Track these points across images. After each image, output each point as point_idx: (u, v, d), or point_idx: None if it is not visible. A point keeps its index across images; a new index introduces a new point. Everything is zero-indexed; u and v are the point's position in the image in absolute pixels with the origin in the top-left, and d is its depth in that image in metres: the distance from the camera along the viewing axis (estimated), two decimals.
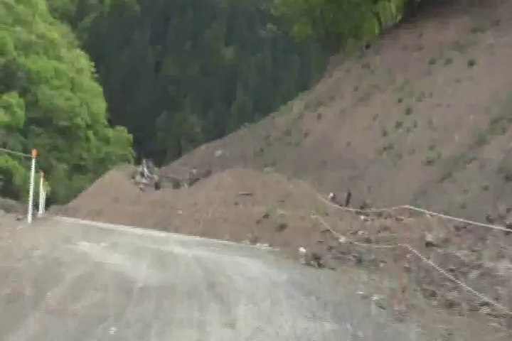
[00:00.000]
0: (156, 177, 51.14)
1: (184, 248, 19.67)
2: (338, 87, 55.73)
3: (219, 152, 55.95)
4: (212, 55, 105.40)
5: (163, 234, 26.29)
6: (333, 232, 23.41)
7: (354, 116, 49.95)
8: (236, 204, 32.30)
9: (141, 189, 47.05)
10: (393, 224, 20.29)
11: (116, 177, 51.12)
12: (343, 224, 26.89)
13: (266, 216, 29.03)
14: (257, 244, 24.97)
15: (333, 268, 17.08)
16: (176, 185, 46.61)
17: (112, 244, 17.67)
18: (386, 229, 20.39)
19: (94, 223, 29.89)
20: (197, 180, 44.60)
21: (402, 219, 18.65)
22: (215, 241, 24.49)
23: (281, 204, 31.07)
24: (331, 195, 37.21)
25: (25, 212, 23.85)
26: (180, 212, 34.30)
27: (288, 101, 65.97)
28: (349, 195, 35.67)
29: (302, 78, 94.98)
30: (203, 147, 60.32)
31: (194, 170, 48.88)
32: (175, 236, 25.12)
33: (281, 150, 51.30)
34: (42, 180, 29.89)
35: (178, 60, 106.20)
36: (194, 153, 60.61)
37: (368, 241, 19.16)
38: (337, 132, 49.13)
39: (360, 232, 21.66)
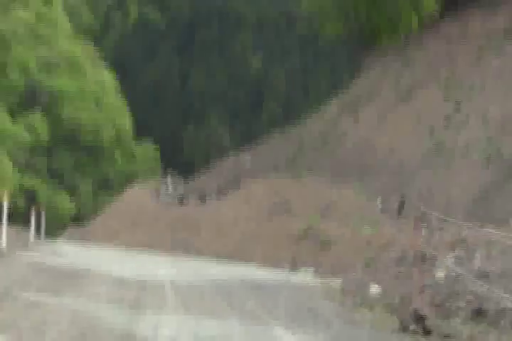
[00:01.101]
0: (181, 192, 45.77)
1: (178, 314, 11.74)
2: (376, 87, 49.90)
3: (248, 162, 50.30)
4: (239, 64, 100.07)
5: (163, 272, 18.66)
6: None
7: (396, 116, 44.35)
8: (270, 218, 26.57)
9: (163, 206, 41.59)
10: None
11: (136, 194, 45.65)
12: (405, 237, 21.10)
13: (306, 231, 23.34)
14: (299, 271, 19.09)
15: (448, 337, 10.26)
16: (202, 199, 41.02)
17: None
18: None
19: (79, 255, 24.59)
20: (225, 192, 39.06)
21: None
22: (243, 272, 18.39)
23: (323, 216, 25.37)
24: (379, 202, 31.43)
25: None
26: (204, 230, 28.72)
27: (320, 106, 60.17)
28: (402, 202, 29.81)
29: (333, 83, 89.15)
30: (231, 158, 54.66)
31: (222, 183, 43.29)
32: (184, 272, 18.35)
33: (316, 157, 45.56)
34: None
35: (204, 71, 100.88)
36: (222, 164, 55.00)
37: (483, 275, 12.10)
38: (378, 134, 43.53)
39: (452, 253, 15.25)
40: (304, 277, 17.35)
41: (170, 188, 47.45)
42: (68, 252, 21.88)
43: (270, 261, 22.24)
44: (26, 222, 73.16)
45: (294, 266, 19.81)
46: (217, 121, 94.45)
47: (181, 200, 42.20)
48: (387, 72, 50.16)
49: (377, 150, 41.55)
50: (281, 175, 36.72)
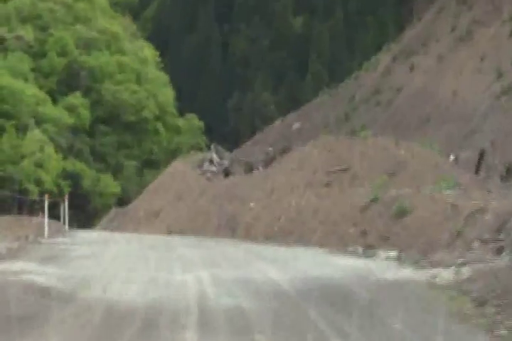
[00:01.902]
0: (226, 163, 41.15)
1: None
2: (430, 31, 44.39)
3: (297, 124, 45.49)
4: (281, 26, 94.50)
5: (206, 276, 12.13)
6: None
7: (456, 59, 39.02)
8: (328, 186, 21.64)
9: (208, 179, 36.99)
10: None
11: (180, 168, 41.12)
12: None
13: (375, 200, 18.42)
14: (377, 254, 14.13)
15: None
16: (249, 169, 36.28)
17: None
18: None
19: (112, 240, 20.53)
20: (273, 160, 34.21)
21: None
22: (305, 263, 13.27)
23: (392, 179, 20.39)
24: (452, 157, 26.29)
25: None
26: (252, 204, 23.92)
27: (368, 60, 54.77)
28: (482, 155, 24.67)
29: (379, 39, 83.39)
30: (277, 122, 49.90)
31: (270, 149, 38.37)
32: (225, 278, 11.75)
33: (370, 112, 40.55)
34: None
35: (245, 36, 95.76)
36: (268, 130, 50.22)
37: None
38: (437, 82, 38.34)
39: None
40: (393, 265, 12.39)
41: (215, 160, 42.89)
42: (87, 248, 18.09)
43: (333, 240, 17.44)
44: (71, 207, 69.54)
45: (369, 247, 14.91)
46: (262, 87, 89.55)
47: (227, 172, 37.59)
48: (441, 15, 44.60)
49: (438, 98, 36.53)
50: (335, 135, 31.79)
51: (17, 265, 12.37)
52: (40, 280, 10.74)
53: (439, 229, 15.69)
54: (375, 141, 23.28)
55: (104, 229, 39.10)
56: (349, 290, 9.89)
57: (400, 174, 20.99)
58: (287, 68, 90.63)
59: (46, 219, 20.98)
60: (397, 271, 11.73)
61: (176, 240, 20.32)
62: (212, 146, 44.96)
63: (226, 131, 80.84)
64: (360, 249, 14.78)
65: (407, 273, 11.33)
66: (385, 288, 9.86)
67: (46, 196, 22.66)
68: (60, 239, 19.41)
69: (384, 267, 12.26)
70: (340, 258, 13.85)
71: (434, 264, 11.85)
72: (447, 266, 11.38)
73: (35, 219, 22.59)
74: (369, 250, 14.47)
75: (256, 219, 21.89)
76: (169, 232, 27.98)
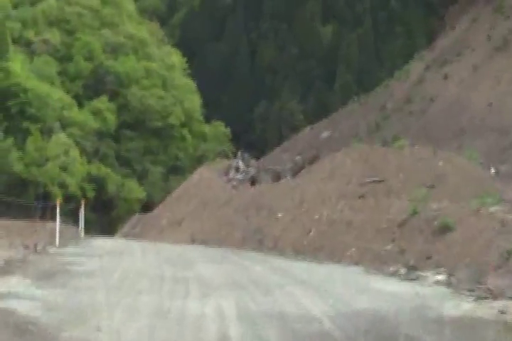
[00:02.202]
0: (252, 171, 39.83)
1: None
2: (465, 40, 42.87)
3: (326, 133, 44.10)
4: (309, 35, 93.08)
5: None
6: None
7: (492, 70, 37.48)
8: (362, 197, 20.24)
9: (234, 187, 35.71)
10: None
11: (205, 175, 39.89)
12: None
13: (414, 214, 17.00)
14: (422, 275, 12.62)
15: None
16: (276, 177, 34.93)
17: None
18: None
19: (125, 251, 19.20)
20: (302, 168, 32.86)
21: None
22: (344, 288, 11.45)
23: (431, 192, 18.94)
24: (493, 170, 24.78)
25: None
26: (280, 215, 22.57)
27: (394, 74, 53.28)
28: None
29: (408, 49, 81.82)
30: (306, 130, 48.53)
31: (298, 157, 37.08)
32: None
33: (402, 122, 39.06)
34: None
35: (273, 45, 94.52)
36: (296, 138, 48.84)
37: None
38: (472, 92, 36.81)
39: None
40: (446, 294, 10.68)
41: (241, 168, 41.60)
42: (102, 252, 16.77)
43: (368, 257, 16.03)
44: (95, 212, 68.37)
45: (411, 268, 13.43)
46: (289, 96, 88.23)
47: (253, 180, 36.29)
48: (477, 24, 43.06)
49: (473, 108, 35.02)
50: (367, 144, 30.32)
51: (7, 283, 10.74)
52: (24, 308, 8.92)
53: (487, 248, 14.24)
54: (411, 151, 21.82)
55: (125, 235, 37.92)
56: (412, 335, 8.24)
57: (439, 187, 19.53)
58: (315, 77, 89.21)
59: (58, 227, 19.63)
60: (455, 302, 10.08)
61: (197, 252, 18.92)
62: (238, 153, 43.70)
63: (252, 139, 79.61)
64: (401, 270, 13.28)
65: (468, 306, 9.74)
66: (455, 331, 8.27)
67: (57, 201, 21.19)
68: (71, 249, 18.07)
69: (437, 296, 10.58)
70: (382, 281, 12.25)
71: (494, 293, 10.39)
72: (510, 297, 9.93)
73: (50, 225, 21.17)
74: (411, 271, 12.98)
75: (284, 231, 20.50)
76: (192, 241, 26.71)
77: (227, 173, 40.89)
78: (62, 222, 34.84)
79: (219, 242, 23.82)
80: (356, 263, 15.80)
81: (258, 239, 21.07)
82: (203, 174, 39.86)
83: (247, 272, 13.54)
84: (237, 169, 41.84)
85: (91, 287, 11.02)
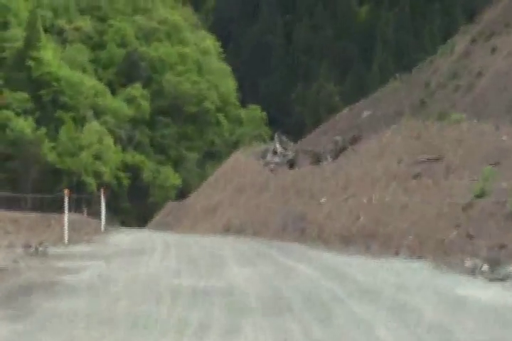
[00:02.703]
0: (290, 154, 37.32)
1: None
2: None
3: (366, 113, 41.23)
4: (345, 15, 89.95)
5: None
6: None
7: None
8: (417, 178, 17.58)
9: (271, 170, 33.27)
10: None
11: (241, 160, 37.50)
12: None
13: (481, 195, 14.42)
14: (507, 271, 10.03)
15: None
16: (316, 159, 32.38)
17: None
18: None
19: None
20: (343, 149, 30.29)
21: None
22: (427, 303, 7.90)
23: (496, 170, 16.29)
24: None
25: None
26: (323, 200, 20.07)
27: (433, 53, 50.14)
28: None
29: (447, 27, 78.30)
30: (345, 110, 45.69)
31: (338, 138, 34.42)
32: None
33: (449, 98, 36.07)
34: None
35: (309, 26, 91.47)
36: (335, 119, 46.11)
37: None
38: None
39: None
40: None
41: (278, 151, 39.12)
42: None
43: (429, 246, 13.48)
44: (130, 200, 66.35)
45: (494, 262, 10.80)
46: (326, 78, 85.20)
47: (292, 163, 33.81)
48: None
49: None
50: (415, 121, 27.57)
51: None
52: None
53: None
54: (470, 125, 19.10)
55: (158, 225, 35.78)
56: None
57: (504, 164, 16.83)
58: (352, 58, 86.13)
59: (66, 221, 16.99)
60: None
61: (229, 246, 16.40)
62: (275, 136, 41.12)
63: (290, 122, 76.83)
64: (481, 265, 10.66)
65: None
66: None
67: (66, 192, 18.07)
68: (79, 248, 15.39)
69: None
70: (468, 285, 9.49)
71: None
72: None
73: (69, 218, 18.64)
74: (494, 267, 10.38)
75: (329, 218, 17.99)
76: (227, 230, 24.36)
77: (264, 157, 38.49)
78: (89, 214, 32.65)
79: (256, 231, 21.43)
80: (417, 255, 13.22)
81: (300, 228, 18.59)
82: (238, 158, 37.47)
83: (291, 278, 10.43)
84: (275, 152, 39.34)
85: (65, 319, 7.46)
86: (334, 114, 57.94)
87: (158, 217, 39.41)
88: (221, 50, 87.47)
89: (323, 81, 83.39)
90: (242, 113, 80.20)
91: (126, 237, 19.84)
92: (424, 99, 37.38)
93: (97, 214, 31.52)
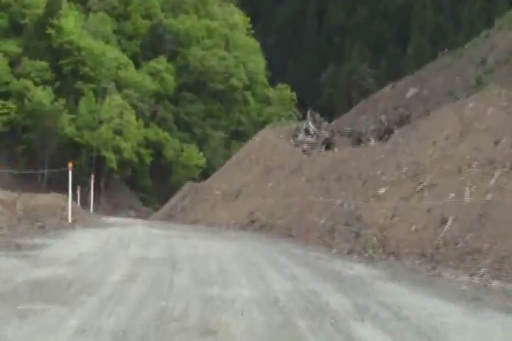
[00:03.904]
0: (325, 134, 31.63)
1: None
2: None
3: (412, 90, 35.46)
4: None
5: None
6: None
7: None
8: (492, 164, 11.89)
9: (304, 151, 27.68)
10: None
11: (269, 138, 31.83)
12: None
13: None
14: None
15: None
16: (357, 140, 26.74)
17: None
18: None
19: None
20: (389, 130, 24.62)
21: None
22: None
23: None
24: None
25: None
26: (382, 191, 14.42)
27: (472, 37, 44.11)
28: None
29: (487, 13, 71.84)
30: (387, 88, 39.81)
31: (383, 117, 28.66)
32: None
33: (510, 75, 30.26)
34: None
35: (343, 5, 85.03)
36: (375, 97, 40.23)
37: None
38: None
39: None
40: None
41: (311, 130, 33.42)
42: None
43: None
44: (152, 178, 60.88)
45: None
46: (359, 59, 78.93)
47: (328, 144, 28.12)
48: None
49: None
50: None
51: None
52: None
53: None
54: None
55: (171, 209, 30.19)
56: None
57: None
58: (387, 40, 79.66)
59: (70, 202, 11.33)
60: None
61: (248, 263, 10.65)
62: (308, 114, 35.37)
63: (319, 104, 70.76)
64: None
65: None
66: None
67: (69, 165, 12.92)
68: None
69: None
70: None
71: None
72: None
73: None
74: None
75: (394, 218, 12.34)
76: (251, 223, 18.77)
77: (294, 136, 32.88)
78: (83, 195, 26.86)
79: (288, 229, 15.84)
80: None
81: (354, 234, 12.90)
82: (266, 136, 31.78)
83: None
84: (307, 131, 33.72)
85: None
86: (366, 98, 52.29)
87: (173, 199, 33.69)
88: (250, 26, 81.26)
89: (356, 63, 76.97)
90: (271, 92, 74.28)
91: (89, 240, 13.51)
92: (481, 76, 31.57)
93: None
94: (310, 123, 34.36)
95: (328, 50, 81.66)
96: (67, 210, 18.15)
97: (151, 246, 12.65)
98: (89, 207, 18.40)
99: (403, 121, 26.68)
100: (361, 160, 19.00)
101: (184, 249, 12.16)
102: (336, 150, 23.65)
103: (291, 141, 30.71)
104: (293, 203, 18.26)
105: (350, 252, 11.87)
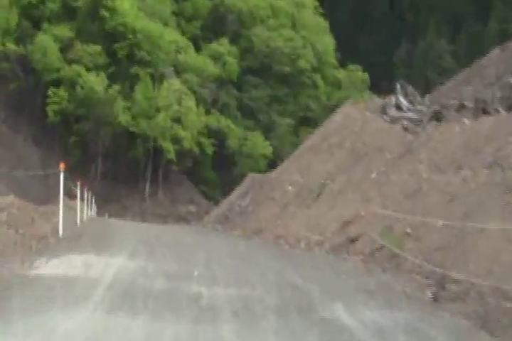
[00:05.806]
0: (423, 109, 23.63)
1: None
2: None
3: None
4: None
5: None
6: None
7: None
8: None
9: (405, 129, 19.74)
10: None
11: (353, 116, 23.87)
12: None
13: None
14: None
15: None
16: (481, 111, 18.70)
17: None
18: None
19: None
20: None
21: None
22: None
23: None
24: None
25: None
26: None
27: None
28: None
29: None
30: (495, 51, 31.22)
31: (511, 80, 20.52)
32: None
33: None
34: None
35: None
36: (482, 64, 31.64)
37: None
38: None
39: None
40: None
41: (403, 107, 25.44)
42: None
43: None
44: (215, 170, 53.34)
45: None
46: (436, 35, 69.93)
47: (438, 119, 20.03)
48: None
49: None
50: None
51: None
52: None
53: None
54: None
55: (228, 209, 22.49)
56: None
57: None
58: (466, 14, 70.36)
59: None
60: None
61: None
62: (397, 86, 27.35)
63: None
64: None
65: None
66: None
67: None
68: None
69: None
70: None
71: None
72: None
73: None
74: None
75: None
76: (349, 241, 10.90)
77: (383, 112, 24.96)
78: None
79: (431, 257, 7.97)
80: None
81: None
82: (349, 114, 23.79)
83: None
84: (398, 107, 25.84)
85: None
86: (446, 77, 44.18)
87: (232, 196, 25.77)
88: (318, 4, 72.88)
89: (432, 40, 67.97)
90: (341, 74, 65.88)
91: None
92: None
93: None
94: (401, 98, 26.48)
95: (401, 28, 72.92)
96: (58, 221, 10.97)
97: None
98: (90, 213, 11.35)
99: None
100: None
101: None
102: (465, 121, 15.48)
103: (385, 117, 22.81)
104: (422, 207, 10.29)
105: None
